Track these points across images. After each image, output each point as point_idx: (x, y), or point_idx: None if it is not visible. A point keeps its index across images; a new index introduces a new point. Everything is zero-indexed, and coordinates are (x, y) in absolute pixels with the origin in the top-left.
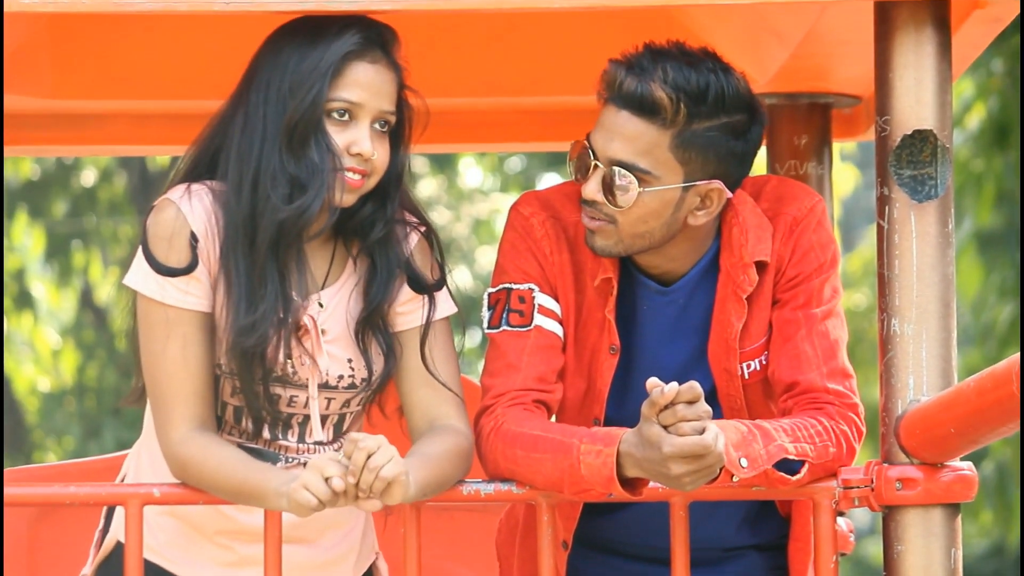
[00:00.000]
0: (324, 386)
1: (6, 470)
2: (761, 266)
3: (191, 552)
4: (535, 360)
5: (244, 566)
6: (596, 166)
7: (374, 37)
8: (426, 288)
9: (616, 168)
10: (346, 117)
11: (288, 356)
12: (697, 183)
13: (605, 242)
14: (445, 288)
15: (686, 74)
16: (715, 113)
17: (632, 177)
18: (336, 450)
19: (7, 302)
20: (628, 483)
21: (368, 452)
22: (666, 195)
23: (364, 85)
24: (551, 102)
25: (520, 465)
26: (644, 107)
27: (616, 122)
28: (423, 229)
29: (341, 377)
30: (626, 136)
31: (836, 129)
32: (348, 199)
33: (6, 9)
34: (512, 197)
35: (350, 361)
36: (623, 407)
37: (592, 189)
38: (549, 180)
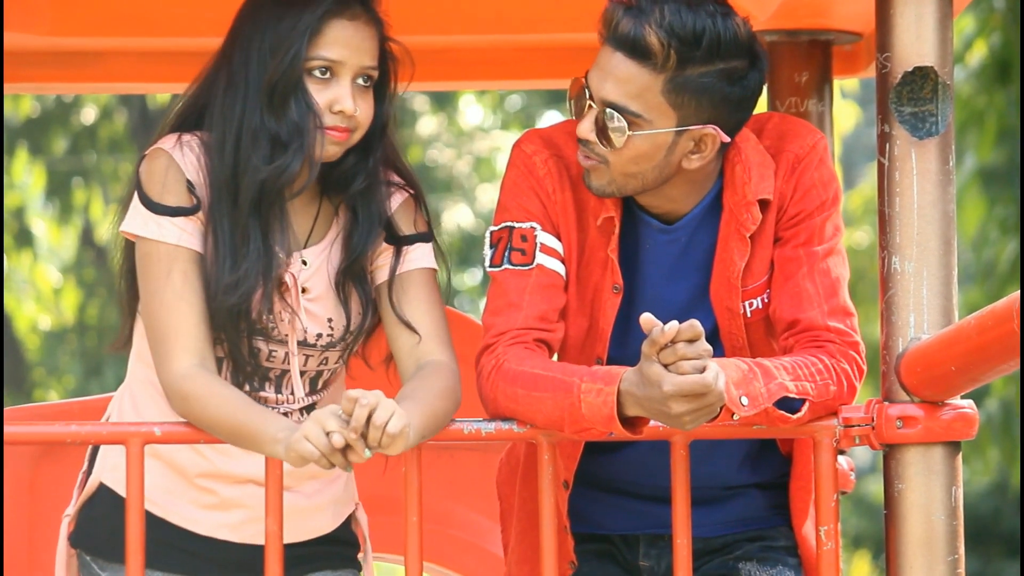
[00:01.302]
0: (303, 343)
1: (7, 408)
2: (764, 204)
3: (175, 494)
4: (537, 299)
5: (226, 508)
6: (590, 106)
7: None
8: (400, 241)
9: (608, 110)
10: (327, 75)
11: (269, 312)
12: (691, 128)
13: (599, 181)
14: (430, 245)
15: (683, 18)
16: (710, 58)
17: (623, 120)
18: (313, 404)
19: (7, 239)
20: (628, 422)
21: (370, 408)
22: (658, 139)
23: (344, 42)
24: (552, 39)
25: (521, 404)
26: (636, 50)
27: (610, 63)
28: (411, 192)
29: (320, 336)
30: (619, 78)
31: (837, 66)
32: (333, 152)
33: None
34: (513, 135)
35: (330, 321)
36: (625, 346)
37: (585, 128)
38: (550, 118)
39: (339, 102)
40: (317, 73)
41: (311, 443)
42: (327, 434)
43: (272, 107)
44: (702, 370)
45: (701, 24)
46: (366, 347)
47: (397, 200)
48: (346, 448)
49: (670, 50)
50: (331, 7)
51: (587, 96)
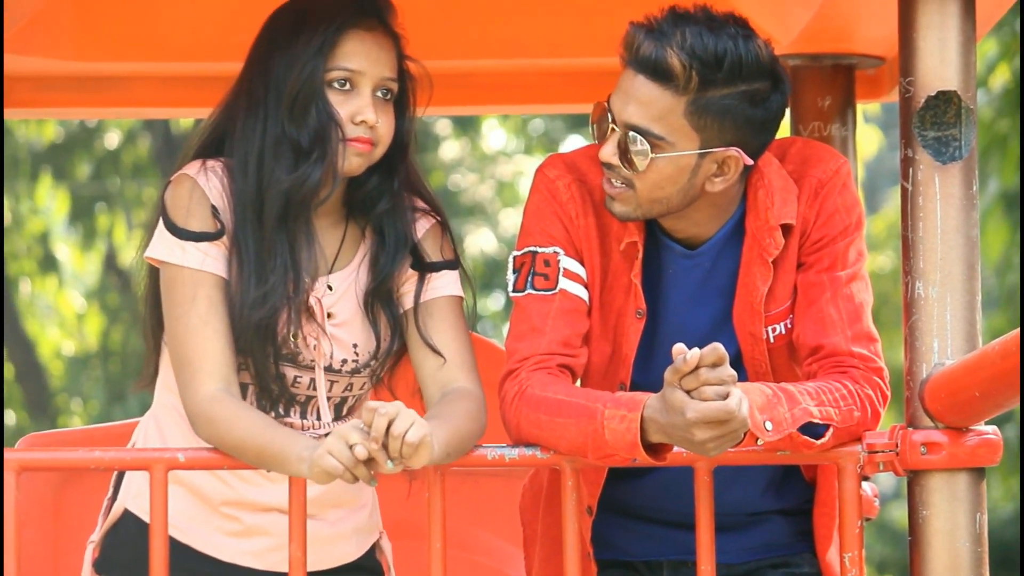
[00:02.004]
0: (328, 369)
1: (32, 435)
2: (786, 229)
3: (198, 521)
4: (560, 324)
5: (250, 536)
6: (613, 129)
7: (368, 7)
8: (427, 267)
9: (631, 133)
10: (347, 86)
11: (295, 336)
12: (713, 150)
13: (623, 207)
14: (456, 272)
15: (705, 40)
16: (732, 80)
17: (646, 142)
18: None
19: (31, 265)
20: (652, 448)
21: (388, 418)
22: (681, 161)
23: (363, 53)
24: (575, 64)
25: (544, 430)
26: (658, 72)
27: (632, 86)
28: (437, 218)
29: (345, 361)
30: (641, 101)
31: (860, 90)
32: (357, 163)
33: None
34: (536, 159)
35: (355, 346)
36: (648, 371)
37: (608, 152)
38: (573, 142)
39: (360, 113)
40: (337, 85)
41: (335, 457)
42: (350, 447)
43: (293, 117)
44: (725, 396)
45: (723, 46)
46: (393, 378)
47: (423, 226)
48: (370, 461)
49: (692, 72)
50: (347, 20)
51: (610, 120)
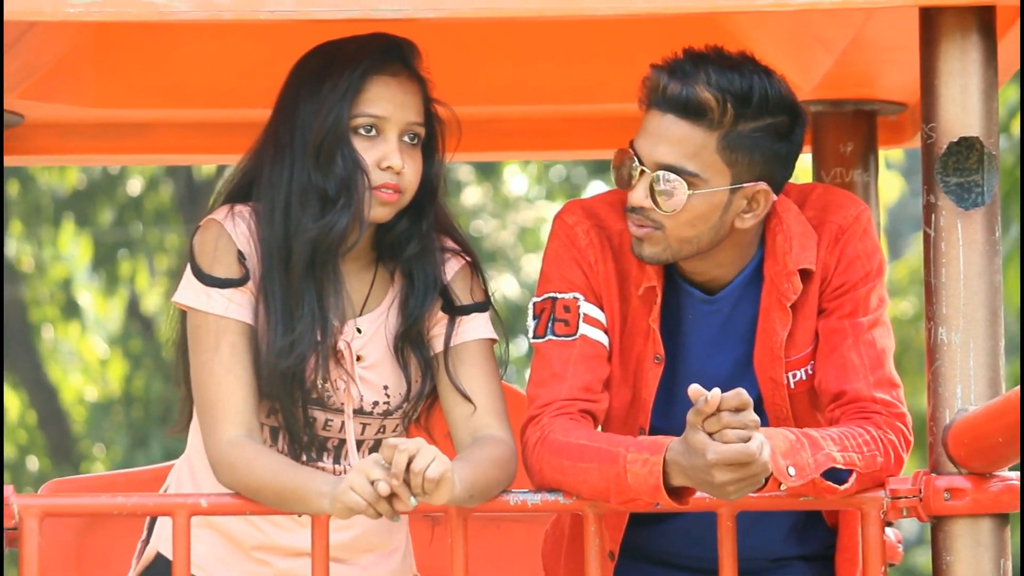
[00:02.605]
0: (359, 411)
1: (54, 480)
2: (806, 274)
3: (230, 565)
4: (581, 369)
5: None
6: (642, 172)
7: (393, 52)
8: (456, 311)
9: (663, 172)
10: (373, 132)
11: (325, 379)
12: (744, 185)
13: (653, 249)
14: (487, 314)
15: (729, 76)
16: (760, 114)
17: (680, 180)
18: None
19: (54, 311)
20: (675, 492)
21: (409, 454)
22: (714, 198)
23: (387, 98)
24: (595, 110)
25: (566, 475)
26: (690, 109)
27: (661, 126)
28: (467, 259)
29: (376, 404)
30: (672, 139)
31: (881, 136)
32: (383, 213)
33: (53, 18)
34: (557, 205)
35: (386, 388)
36: (669, 417)
37: (639, 195)
38: (595, 188)
39: (387, 158)
40: (363, 131)
41: (356, 493)
42: (372, 483)
43: (319, 165)
44: (747, 439)
45: (748, 81)
46: (429, 420)
47: (453, 267)
48: (392, 497)
49: (726, 105)
50: (372, 65)
51: (637, 163)
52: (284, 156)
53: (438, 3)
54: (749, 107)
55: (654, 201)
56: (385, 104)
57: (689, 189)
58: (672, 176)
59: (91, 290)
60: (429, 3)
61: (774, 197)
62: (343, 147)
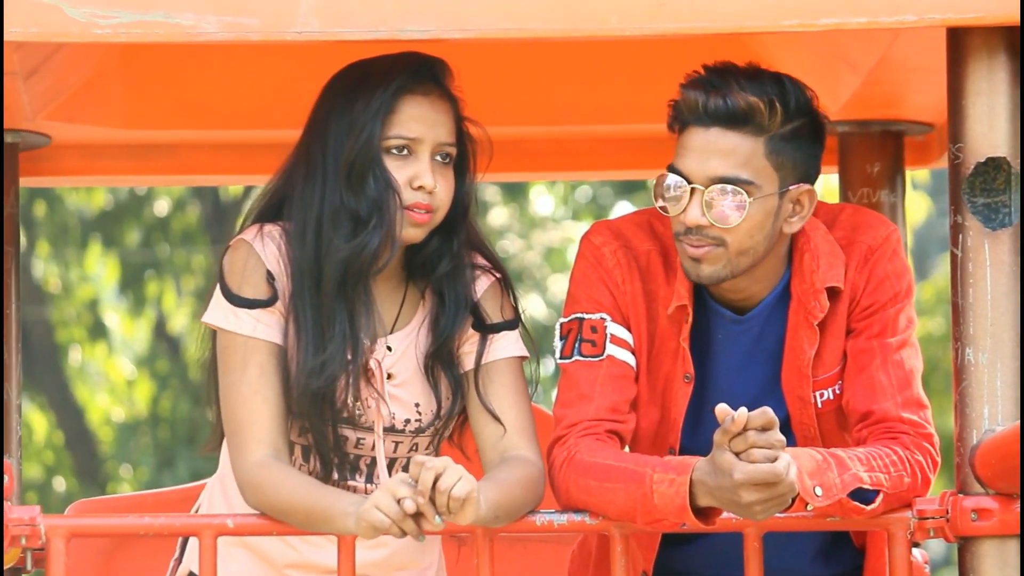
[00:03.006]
0: (390, 429)
1: (81, 501)
2: (833, 293)
3: None
4: (608, 390)
5: None
6: (694, 190)
7: (424, 71)
8: (487, 329)
9: (719, 186)
10: (405, 152)
11: (356, 398)
12: (790, 188)
13: (712, 267)
14: (517, 331)
15: (759, 82)
16: (797, 115)
17: (739, 190)
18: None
19: (81, 332)
20: (701, 513)
21: (436, 473)
22: (767, 204)
23: (419, 119)
24: (621, 130)
25: (593, 495)
26: (736, 118)
27: (708, 140)
28: (497, 275)
29: (408, 421)
30: (723, 151)
31: (909, 157)
32: (415, 234)
33: (81, 40)
34: (584, 225)
35: (417, 405)
36: (697, 436)
37: (695, 214)
38: (621, 208)
39: (419, 178)
40: (395, 151)
41: (382, 511)
42: (398, 501)
43: (351, 185)
44: (774, 459)
45: (777, 85)
46: (462, 437)
47: (483, 284)
48: (418, 515)
49: (773, 108)
50: (403, 84)
51: (686, 183)
52: (316, 175)
53: (465, 23)
54: (789, 109)
55: (714, 217)
56: (417, 125)
57: (748, 197)
58: (729, 187)
59: (118, 311)
60: (456, 23)
61: (817, 197)
62: (375, 167)
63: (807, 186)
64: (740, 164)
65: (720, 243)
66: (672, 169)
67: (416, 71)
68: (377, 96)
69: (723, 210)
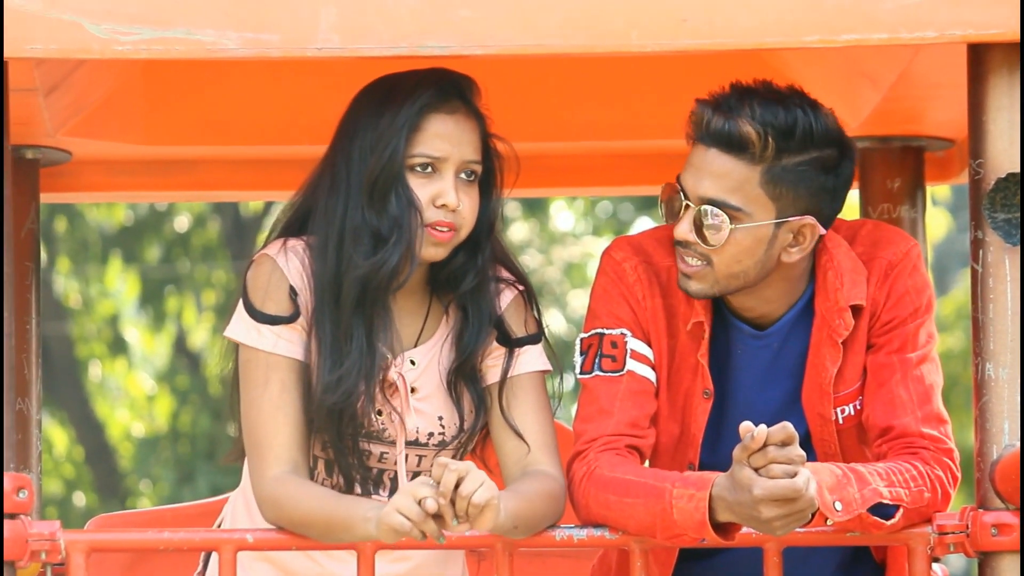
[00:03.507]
0: (414, 443)
1: (101, 516)
2: (856, 310)
3: None
4: (628, 405)
5: None
6: (687, 206)
7: (451, 88)
8: (512, 343)
9: (707, 207)
10: (429, 170)
11: (378, 412)
12: (789, 219)
13: (700, 284)
14: (540, 345)
15: (773, 110)
16: (804, 148)
17: (723, 215)
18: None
19: (102, 347)
20: (721, 528)
21: (458, 475)
22: (758, 232)
23: (444, 137)
24: (642, 146)
25: (613, 510)
26: (732, 143)
27: (705, 160)
28: (521, 288)
29: (431, 435)
30: (715, 173)
31: (929, 172)
32: (437, 252)
33: (102, 56)
34: (604, 241)
35: (440, 419)
36: (717, 451)
37: (684, 229)
38: (641, 224)
39: (442, 196)
40: (419, 168)
41: (403, 514)
42: (419, 501)
43: (372, 203)
44: (793, 475)
45: (792, 115)
46: (485, 450)
47: (507, 297)
48: (438, 517)
49: (767, 139)
50: (429, 101)
51: (682, 197)
52: (339, 190)
53: (485, 40)
54: (792, 141)
55: (699, 235)
56: (442, 143)
57: (732, 223)
58: (715, 210)
59: (138, 326)
60: (476, 39)
61: (821, 231)
62: (397, 184)
63: (810, 219)
64: (730, 189)
65: (708, 262)
66: (678, 180)
67: (443, 88)
68: (403, 113)
69: (709, 232)
